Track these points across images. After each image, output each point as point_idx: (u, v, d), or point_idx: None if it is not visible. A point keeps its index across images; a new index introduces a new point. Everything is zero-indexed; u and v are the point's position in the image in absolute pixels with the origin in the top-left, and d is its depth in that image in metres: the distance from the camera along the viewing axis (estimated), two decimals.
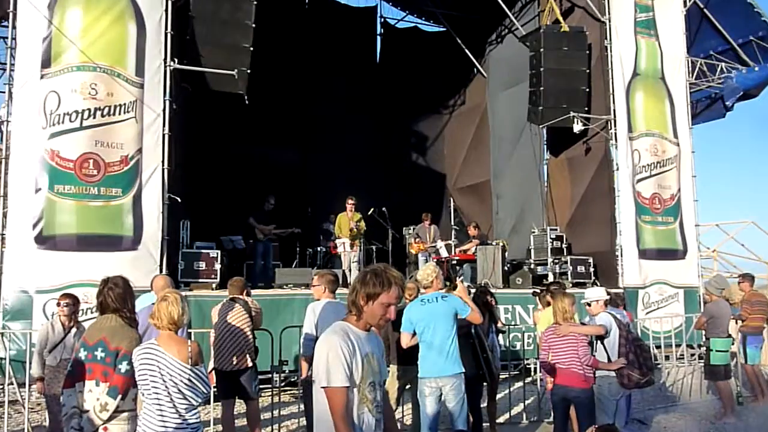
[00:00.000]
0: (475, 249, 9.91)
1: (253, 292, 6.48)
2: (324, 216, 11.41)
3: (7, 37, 7.55)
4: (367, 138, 13.56)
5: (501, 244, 9.92)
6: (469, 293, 4.90)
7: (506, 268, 9.84)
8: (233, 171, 11.65)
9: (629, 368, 4.48)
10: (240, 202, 10.97)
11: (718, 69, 12.01)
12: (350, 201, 9.46)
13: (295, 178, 12.55)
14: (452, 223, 12.92)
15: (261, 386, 5.54)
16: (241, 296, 5.17)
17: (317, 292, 4.41)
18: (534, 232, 10.68)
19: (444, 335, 4.14)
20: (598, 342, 4.68)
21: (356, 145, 13.18)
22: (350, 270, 9.10)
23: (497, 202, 12.73)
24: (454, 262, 10.02)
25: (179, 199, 7.63)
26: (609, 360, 4.56)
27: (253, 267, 9.53)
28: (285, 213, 10.38)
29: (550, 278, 9.93)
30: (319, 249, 10.76)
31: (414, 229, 10.91)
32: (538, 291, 6.49)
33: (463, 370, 4.17)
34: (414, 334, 4.24)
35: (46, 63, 7.01)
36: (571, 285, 9.31)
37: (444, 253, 10.24)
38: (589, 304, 4.89)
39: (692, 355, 8.92)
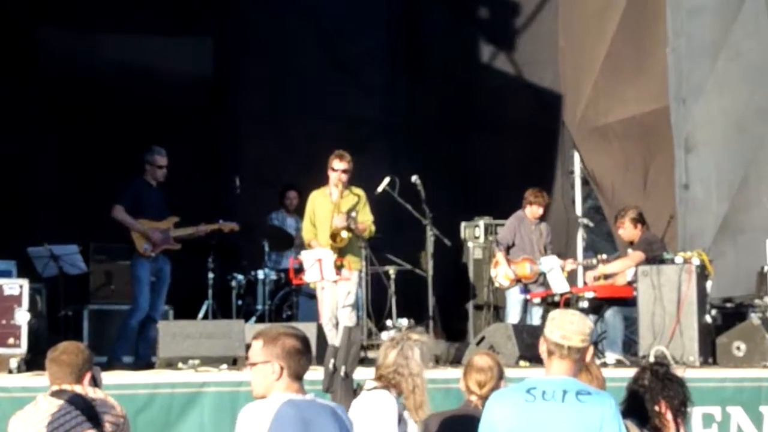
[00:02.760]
0: (636, 273, 10.04)
1: (109, 376, 6.52)
2: (271, 197, 11.69)
3: None
4: (373, 17, 13.83)
5: (696, 259, 9.93)
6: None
7: (709, 317, 9.85)
8: (59, 96, 11.90)
9: None
10: (79, 170, 11.24)
11: None
12: (340, 161, 9.56)
13: (205, 110, 12.84)
14: (578, 211, 13.26)
15: None
16: (78, 387, 5.18)
17: (261, 378, 4.25)
18: None
19: None
20: None
21: (343, 34, 13.56)
22: (335, 322, 9.37)
23: (686, 160, 12.67)
24: (585, 304, 10.09)
25: None
26: None
27: (109, 318, 9.82)
28: (182, 190, 10.57)
29: None
30: (260, 274, 10.92)
31: (495, 229, 11.18)
32: None
33: None
34: None
35: None
36: None
37: (560, 285, 10.31)
38: None
39: None
